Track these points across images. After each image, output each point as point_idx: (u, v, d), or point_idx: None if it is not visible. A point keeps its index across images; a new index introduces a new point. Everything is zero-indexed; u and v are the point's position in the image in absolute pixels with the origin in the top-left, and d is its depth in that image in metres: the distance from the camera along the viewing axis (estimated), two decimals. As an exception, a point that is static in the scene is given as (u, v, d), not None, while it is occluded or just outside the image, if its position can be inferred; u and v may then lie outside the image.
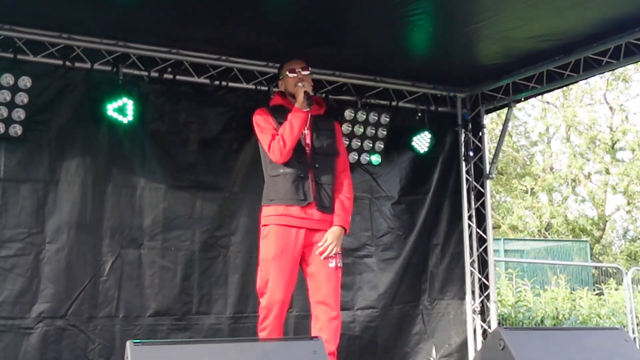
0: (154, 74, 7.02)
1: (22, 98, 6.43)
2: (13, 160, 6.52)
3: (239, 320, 7.19)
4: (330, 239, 5.43)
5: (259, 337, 5.39)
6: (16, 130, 6.44)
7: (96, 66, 6.80)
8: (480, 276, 8.37)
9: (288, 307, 5.52)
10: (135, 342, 4.17)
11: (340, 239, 5.49)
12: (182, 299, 7.02)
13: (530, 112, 25.86)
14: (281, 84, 5.78)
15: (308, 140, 5.55)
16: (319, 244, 5.42)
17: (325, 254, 5.41)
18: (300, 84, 5.54)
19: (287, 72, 5.64)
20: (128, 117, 6.74)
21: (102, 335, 6.67)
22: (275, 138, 5.41)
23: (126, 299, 6.80)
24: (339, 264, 5.49)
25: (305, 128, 5.52)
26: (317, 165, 5.51)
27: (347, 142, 7.71)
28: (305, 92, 5.47)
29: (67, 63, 6.70)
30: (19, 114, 6.43)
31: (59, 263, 6.57)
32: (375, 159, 7.92)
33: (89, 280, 6.67)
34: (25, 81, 6.42)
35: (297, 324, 7.44)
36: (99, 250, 6.76)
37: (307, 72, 5.65)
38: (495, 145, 8.79)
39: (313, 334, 5.29)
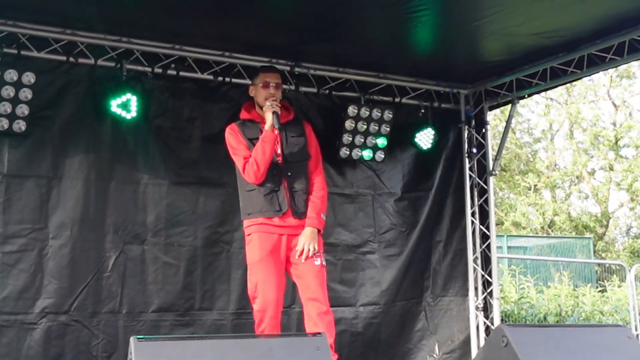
0: (158, 70, 7.02)
1: (26, 94, 6.42)
2: (16, 156, 6.53)
3: (242, 317, 7.18)
4: (303, 240, 5.58)
5: None
6: (20, 126, 6.45)
7: (100, 62, 6.81)
8: (483, 273, 8.37)
9: (282, 307, 5.67)
10: (139, 338, 4.18)
11: (314, 238, 5.62)
12: (185, 295, 7.03)
13: (534, 108, 25.82)
14: (252, 90, 5.90)
15: (279, 151, 5.70)
16: (297, 248, 5.59)
17: (304, 256, 5.56)
18: (268, 104, 5.64)
19: (260, 85, 5.76)
20: (132, 113, 6.75)
21: (106, 330, 6.68)
22: (248, 161, 5.59)
23: (129, 295, 6.82)
24: (323, 262, 5.64)
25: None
26: (289, 174, 5.68)
27: (350, 139, 7.72)
28: (274, 113, 5.59)
29: (71, 59, 6.70)
30: (23, 109, 6.43)
31: (63, 259, 6.59)
32: (378, 155, 7.92)
33: (92, 276, 6.68)
34: (29, 77, 6.42)
35: (300, 321, 7.44)
36: (102, 246, 6.77)
37: (279, 89, 5.80)
38: (499, 141, 8.78)
39: (308, 331, 5.40)
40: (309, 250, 5.56)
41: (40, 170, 6.61)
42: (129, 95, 6.71)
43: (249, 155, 5.60)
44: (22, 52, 6.49)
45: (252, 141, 5.67)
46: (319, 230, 5.69)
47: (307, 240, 5.58)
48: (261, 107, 5.74)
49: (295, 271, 5.65)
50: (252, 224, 5.65)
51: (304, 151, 5.82)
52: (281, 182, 5.64)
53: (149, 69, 6.98)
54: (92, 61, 6.78)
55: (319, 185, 5.81)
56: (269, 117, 5.60)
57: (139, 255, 6.90)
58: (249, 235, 5.68)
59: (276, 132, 5.64)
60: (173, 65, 7.10)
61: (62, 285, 6.55)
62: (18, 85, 6.39)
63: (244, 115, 5.90)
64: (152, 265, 6.93)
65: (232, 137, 5.78)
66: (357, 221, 7.92)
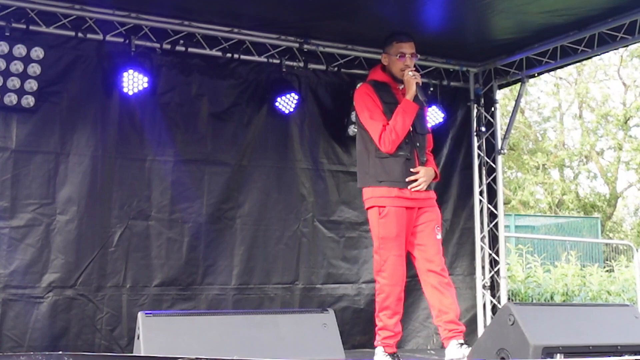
0: (166, 46, 7.01)
1: (35, 69, 6.42)
2: (25, 131, 6.53)
3: (244, 292, 7.23)
4: (422, 172, 5.58)
5: (379, 319, 5.66)
6: (28, 101, 6.45)
7: (108, 38, 6.80)
8: (490, 252, 8.37)
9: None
10: (146, 314, 4.20)
11: (429, 179, 5.65)
12: (188, 270, 7.06)
13: (543, 87, 25.67)
14: (385, 58, 5.76)
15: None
16: (411, 178, 5.53)
17: (414, 185, 5.52)
18: (410, 74, 5.54)
19: (396, 56, 5.64)
20: (140, 89, 6.73)
21: (110, 304, 6.73)
22: (386, 129, 5.47)
23: (133, 270, 6.86)
24: (443, 235, 5.83)
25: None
26: (418, 144, 5.64)
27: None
28: (418, 85, 5.52)
29: (80, 34, 6.69)
30: (31, 85, 6.43)
31: (69, 234, 6.61)
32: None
33: (97, 251, 6.71)
34: (38, 52, 6.41)
35: (303, 297, 7.48)
36: (108, 222, 6.80)
37: (414, 59, 5.68)
38: (507, 120, 8.75)
39: (431, 303, 5.56)
40: (419, 184, 5.54)
41: (48, 146, 6.62)
42: (137, 71, 6.68)
43: (386, 122, 5.50)
44: (31, 27, 6.47)
45: (388, 106, 5.57)
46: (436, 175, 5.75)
47: (425, 175, 5.59)
48: (393, 77, 5.69)
49: (415, 240, 5.60)
50: (384, 195, 5.52)
51: (426, 124, 5.89)
52: (413, 152, 5.60)
53: (158, 45, 6.96)
54: (100, 37, 6.77)
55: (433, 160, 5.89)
56: (412, 87, 5.52)
57: (144, 231, 6.93)
58: (382, 207, 5.53)
59: (423, 104, 5.65)
60: (182, 42, 7.07)
61: (68, 260, 6.58)
62: (27, 60, 6.38)
63: (378, 76, 5.78)
64: (156, 240, 6.96)
65: (369, 99, 5.63)
66: (361, 199, 7.91)
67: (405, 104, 5.50)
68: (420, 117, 5.71)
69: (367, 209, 5.67)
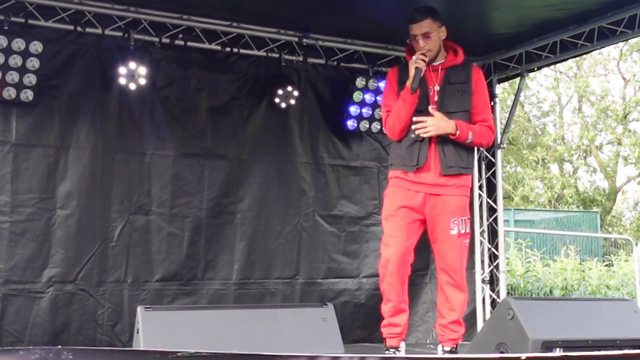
0: (165, 40, 7.00)
1: (33, 63, 6.41)
2: (24, 125, 6.53)
3: (245, 287, 7.24)
4: (429, 119, 5.09)
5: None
6: (27, 95, 6.44)
7: (107, 32, 6.78)
8: (489, 246, 8.37)
9: (407, 266, 5.31)
10: (146, 308, 4.21)
11: (439, 125, 5.08)
12: (189, 265, 7.07)
13: (543, 82, 25.63)
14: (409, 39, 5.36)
15: (436, 98, 5.21)
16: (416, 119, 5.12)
17: (417, 127, 5.10)
18: (414, 58, 5.14)
19: (410, 38, 5.26)
20: (139, 83, 6.72)
21: (111, 299, 6.73)
22: (389, 116, 5.26)
23: (134, 265, 6.87)
24: (462, 230, 5.22)
25: (436, 84, 5.22)
26: None
27: (358, 111, 7.70)
28: (417, 70, 5.07)
29: (78, 28, 6.68)
30: (30, 79, 6.42)
31: (70, 228, 6.62)
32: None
33: (98, 246, 6.72)
34: (37, 46, 6.40)
35: (304, 292, 7.48)
36: (108, 216, 6.80)
37: (429, 39, 5.19)
38: (507, 115, 8.74)
39: (437, 302, 5.39)
40: (424, 126, 5.07)
41: (48, 140, 6.62)
42: (136, 65, 6.68)
43: (389, 112, 5.27)
44: (30, 21, 6.47)
45: (402, 87, 5.21)
46: (456, 131, 5.10)
47: (434, 120, 5.09)
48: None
49: (431, 234, 5.28)
50: (391, 176, 5.31)
51: (465, 100, 5.23)
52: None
53: (157, 39, 6.95)
54: (99, 31, 6.76)
55: (485, 127, 5.30)
56: (410, 73, 5.10)
57: (144, 226, 6.93)
58: (387, 187, 5.35)
59: (414, 91, 5.11)
60: (181, 36, 7.06)
61: (68, 255, 6.59)
62: (25, 54, 6.37)
63: (407, 56, 5.37)
64: (156, 235, 6.96)
65: (387, 82, 5.41)
66: (362, 193, 7.93)
67: (404, 91, 5.15)
68: (458, 92, 5.22)
69: None
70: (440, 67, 5.27)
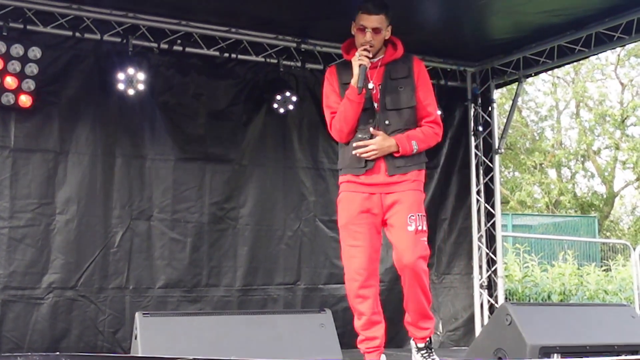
0: (164, 46, 7.02)
1: (32, 69, 6.44)
2: (23, 130, 6.54)
3: (248, 293, 7.23)
4: (375, 140, 4.73)
5: None
6: (26, 101, 6.45)
7: (106, 37, 6.80)
8: (487, 251, 8.38)
9: (375, 278, 4.91)
10: (144, 314, 4.21)
11: (382, 146, 4.73)
12: (192, 271, 7.06)
13: (540, 87, 25.68)
14: (353, 27, 4.91)
15: (379, 96, 4.82)
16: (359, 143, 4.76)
17: (360, 152, 4.74)
18: (357, 54, 4.72)
19: (357, 28, 4.83)
20: (137, 89, 6.73)
21: (112, 306, 6.72)
22: (334, 117, 4.84)
23: (136, 271, 6.86)
24: (419, 227, 4.76)
25: (371, 82, 4.79)
26: (387, 122, 4.80)
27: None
28: (361, 67, 4.66)
29: (77, 34, 6.70)
30: (29, 84, 6.45)
31: (69, 234, 6.62)
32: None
33: (99, 252, 6.72)
34: (35, 52, 6.42)
35: (305, 297, 7.47)
36: (109, 222, 6.81)
37: (379, 34, 4.79)
38: (505, 120, 8.77)
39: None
40: (366, 150, 4.71)
41: (47, 145, 6.63)
42: (134, 71, 6.69)
43: (335, 113, 4.85)
44: (28, 27, 6.49)
45: (345, 87, 4.79)
46: (398, 149, 4.76)
47: (375, 143, 4.72)
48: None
49: (388, 233, 4.84)
50: (341, 181, 4.91)
51: (408, 96, 4.85)
52: (376, 130, 4.77)
53: (155, 45, 6.98)
54: (98, 36, 6.78)
55: (426, 122, 4.93)
56: (354, 70, 4.69)
57: (146, 231, 6.93)
58: (339, 194, 4.92)
59: (359, 90, 4.68)
60: (179, 41, 7.08)
61: (68, 261, 6.59)
62: (24, 60, 6.39)
63: (344, 55, 4.98)
64: (158, 241, 6.96)
65: (327, 83, 4.96)
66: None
67: (349, 91, 4.71)
68: (396, 90, 4.84)
69: None
70: (380, 63, 4.88)
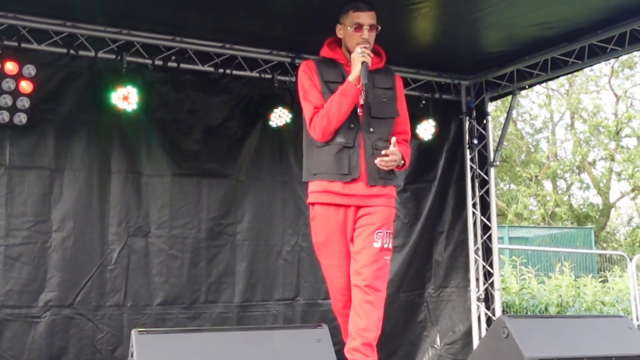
0: (158, 62, 7.02)
1: (27, 86, 6.43)
2: (18, 148, 6.54)
3: (247, 309, 7.22)
4: (390, 152, 4.61)
5: None
6: (20, 118, 6.45)
7: (100, 54, 6.81)
8: (484, 264, 8.38)
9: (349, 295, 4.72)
10: (140, 331, 4.19)
11: (398, 160, 4.66)
12: (190, 288, 7.05)
13: (535, 99, 25.75)
14: (339, 29, 4.82)
15: (362, 101, 4.70)
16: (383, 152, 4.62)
17: (380, 160, 4.61)
18: (359, 50, 4.60)
19: (351, 27, 4.71)
20: (132, 106, 6.74)
21: (110, 324, 6.69)
22: (319, 113, 4.63)
23: (134, 288, 6.84)
24: (385, 245, 4.65)
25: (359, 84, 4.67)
26: (371, 130, 4.70)
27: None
28: (364, 64, 4.58)
29: (71, 51, 6.70)
30: (24, 102, 6.44)
31: (66, 251, 6.60)
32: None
33: (96, 269, 6.70)
34: (30, 69, 6.42)
35: (305, 313, 7.46)
36: (106, 239, 6.79)
37: (374, 31, 4.73)
38: (500, 132, 8.79)
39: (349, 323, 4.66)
40: (388, 160, 4.60)
41: (43, 163, 6.62)
42: (129, 88, 6.69)
43: (322, 104, 4.64)
44: (23, 45, 6.48)
45: (328, 85, 4.68)
46: (404, 162, 4.74)
47: (393, 153, 4.61)
48: (349, 51, 4.74)
49: (352, 247, 4.68)
50: (314, 190, 4.71)
51: (391, 107, 4.82)
52: (359, 139, 4.66)
53: (150, 61, 6.98)
54: (92, 53, 6.78)
55: (402, 138, 4.85)
56: (356, 66, 4.58)
57: (143, 248, 6.91)
58: (312, 205, 4.74)
59: (360, 86, 4.61)
60: (173, 57, 7.09)
61: (65, 279, 6.56)
62: (19, 77, 6.39)
63: (325, 52, 4.87)
64: (156, 257, 6.95)
65: (306, 77, 4.75)
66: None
67: (346, 86, 4.60)
68: (384, 98, 4.80)
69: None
70: None
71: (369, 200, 4.66)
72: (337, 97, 4.60)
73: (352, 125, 4.67)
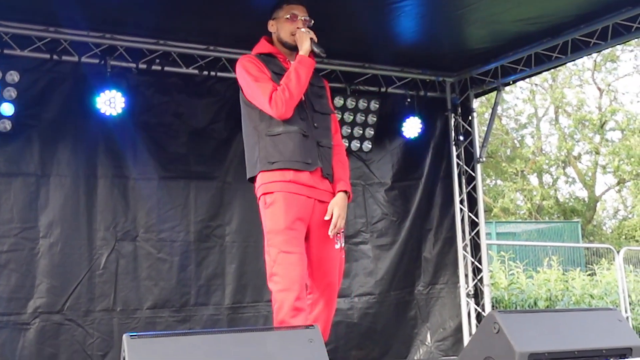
0: (142, 66, 7.01)
1: (10, 93, 6.42)
2: (3, 155, 6.51)
3: (238, 311, 7.21)
4: (337, 210, 4.58)
5: None
6: (5, 125, 6.44)
7: (84, 59, 6.79)
8: (473, 260, 8.40)
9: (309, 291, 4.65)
10: (131, 336, 4.18)
11: (345, 208, 4.64)
12: (180, 291, 7.02)
13: (519, 94, 25.85)
14: (272, 25, 4.92)
15: (303, 97, 4.72)
16: (326, 218, 4.57)
17: (334, 231, 4.56)
18: (303, 30, 4.71)
19: (286, 17, 4.80)
20: (117, 110, 6.72)
21: (100, 329, 6.67)
22: (277, 89, 4.54)
23: (123, 292, 6.81)
24: (343, 245, 4.68)
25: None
26: (315, 125, 4.70)
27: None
28: (312, 39, 4.67)
29: (55, 56, 6.68)
30: (8, 108, 6.41)
31: (54, 257, 6.57)
32: (366, 145, 7.94)
33: (84, 274, 6.67)
34: (13, 76, 6.40)
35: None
36: (94, 244, 6.76)
37: (309, 24, 4.84)
38: (485, 129, 8.81)
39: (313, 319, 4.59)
40: (338, 224, 4.57)
41: (28, 169, 6.59)
42: (114, 92, 6.68)
43: (277, 86, 4.57)
44: (5, 51, 6.46)
45: (278, 76, 4.64)
46: (349, 196, 4.74)
47: (340, 210, 4.57)
48: (283, 43, 4.82)
49: (311, 249, 4.63)
50: (275, 179, 4.55)
51: (327, 105, 4.90)
52: (310, 131, 4.65)
53: (134, 65, 6.96)
54: (76, 58, 6.76)
55: (342, 149, 4.90)
56: (305, 41, 4.65)
57: (132, 252, 6.89)
58: (269, 194, 4.57)
59: (319, 52, 4.69)
60: (158, 61, 7.07)
61: (54, 285, 6.53)
62: (2, 84, 6.37)
63: (262, 48, 4.91)
64: (145, 261, 6.92)
65: (253, 65, 4.73)
66: (349, 212, 7.84)
67: (300, 59, 4.62)
68: (320, 96, 4.84)
69: (258, 201, 4.72)
70: None
71: (325, 195, 4.66)
72: (294, 69, 4.60)
73: (302, 117, 4.66)
